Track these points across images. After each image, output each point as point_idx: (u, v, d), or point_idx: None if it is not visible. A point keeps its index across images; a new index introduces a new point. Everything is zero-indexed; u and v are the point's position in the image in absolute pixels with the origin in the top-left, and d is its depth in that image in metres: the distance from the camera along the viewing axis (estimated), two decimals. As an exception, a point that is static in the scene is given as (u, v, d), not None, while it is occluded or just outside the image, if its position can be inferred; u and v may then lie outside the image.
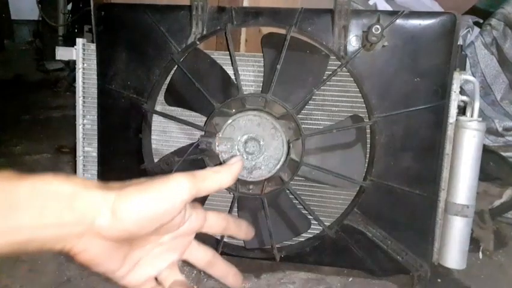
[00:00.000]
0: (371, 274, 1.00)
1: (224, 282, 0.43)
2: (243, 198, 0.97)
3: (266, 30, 0.98)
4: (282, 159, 0.94)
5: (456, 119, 0.93)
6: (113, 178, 0.38)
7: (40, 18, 2.99)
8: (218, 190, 0.39)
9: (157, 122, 1.05)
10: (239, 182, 0.96)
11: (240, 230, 0.45)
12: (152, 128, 1.05)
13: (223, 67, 0.97)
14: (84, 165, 1.12)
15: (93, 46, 1.05)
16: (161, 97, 1.02)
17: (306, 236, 1.01)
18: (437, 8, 1.60)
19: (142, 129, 1.01)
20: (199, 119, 0.99)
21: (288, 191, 0.96)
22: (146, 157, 1.02)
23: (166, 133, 1.05)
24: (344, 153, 0.94)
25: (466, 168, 0.93)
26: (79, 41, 1.07)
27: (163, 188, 0.35)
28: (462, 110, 0.96)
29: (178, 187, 0.36)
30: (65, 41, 2.76)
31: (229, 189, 0.96)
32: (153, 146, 1.05)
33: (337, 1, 0.88)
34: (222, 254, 1.00)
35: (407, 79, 0.89)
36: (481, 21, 1.61)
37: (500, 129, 1.44)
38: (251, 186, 0.97)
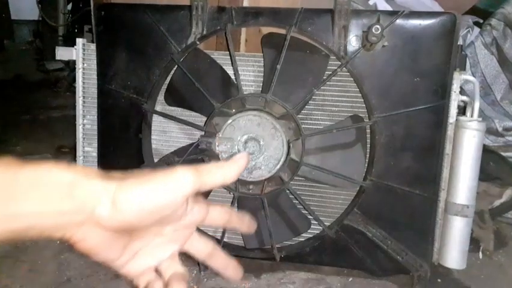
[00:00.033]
0: (371, 274, 1.00)
1: (224, 275, 0.43)
2: (243, 198, 0.97)
3: (266, 30, 0.98)
4: (282, 159, 0.94)
5: (456, 119, 0.93)
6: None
7: (40, 18, 2.99)
8: (222, 185, 0.39)
9: (157, 122, 1.05)
10: (239, 182, 0.96)
11: (242, 223, 0.44)
12: (152, 128, 1.05)
13: (223, 67, 0.97)
14: (84, 165, 1.12)
15: (93, 46, 1.05)
16: (161, 97, 1.02)
17: (306, 236, 1.01)
18: (437, 8, 1.60)
19: (142, 129, 1.01)
20: (199, 119, 0.99)
21: (288, 191, 0.96)
22: (146, 157, 1.02)
23: (166, 133, 1.05)
24: (344, 153, 0.94)
25: (466, 168, 0.93)
26: (79, 41, 1.07)
27: (166, 181, 0.35)
28: (462, 110, 0.96)
29: (182, 180, 0.35)
30: (65, 41, 2.75)
31: (229, 189, 0.96)
32: (153, 146, 1.05)
33: (337, 1, 0.88)
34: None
35: (407, 79, 0.89)
36: (481, 21, 1.61)
37: (500, 129, 1.44)
38: (251, 186, 0.97)
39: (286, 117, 0.93)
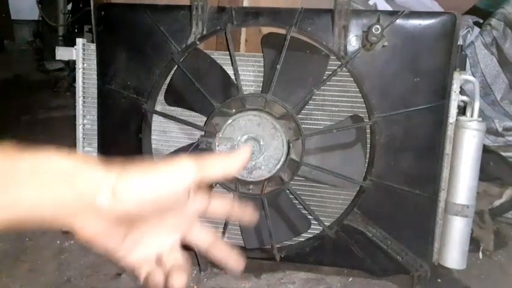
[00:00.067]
0: (371, 274, 1.00)
1: (225, 266, 0.42)
2: (243, 198, 0.96)
3: (266, 30, 0.98)
4: (282, 159, 0.94)
5: (456, 119, 0.93)
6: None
7: (40, 18, 3.00)
8: (224, 177, 0.38)
9: (157, 122, 1.05)
10: (239, 182, 0.96)
11: (244, 214, 0.44)
12: (152, 128, 1.05)
13: (223, 67, 0.97)
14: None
15: (93, 46, 1.05)
16: (161, 97, 1.02)
17: (306, 236, 1.01)
18: (437, 8, 1.60)
19: (142, 129, 1.01)
20: (199, 119, 0.99)
21: (288, 191, 0.96)
22: (146, 157, 1.02)
23: (166, 133, 1.05)
24: (344, 153, 0.94)
25: (466, 168, 0.93)
26: (79, 41, 1.07)
27: (168, 171, 0.35)
28: (462, 110, 0.96)
29: (184, 171, 0.35)
30: (65, 41, 2.76)
31: (229, 189, 0.96)
32: (153, 146, 1.05)
33: (337, 1, 0.88)
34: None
35: (407, 79, 0.89)
36: (481, 21, 1.61)
37: (500, 129, 1.44)
38: (251, 186, 0.97)
39: (286, 117, 0.93)
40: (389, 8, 1.49)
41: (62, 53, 1.09)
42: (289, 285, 1.04)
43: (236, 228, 1.00)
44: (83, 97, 1.09)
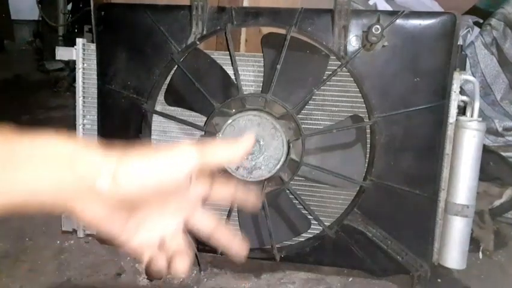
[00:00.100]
0: (371, 274, 1.00)
1: (229, 251, 0.41)
2: (246, 184, 0.96)
3: (266, 30, 0.98)
4: (282, 159, 0.94)
5: (456, 119, 0.93)
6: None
7: (40, 18, 3.00)
8: (226, 165, 0.38)
9: (157, 122, 1.05)
10: (239, 182, 0.96)
11: (249, 197, 0.43)
12: (152, 128, 1.05)
13: (223, 67, 0.97)
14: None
15: (93, 46, 1.05)
16: (161, 97, 1.02)
17: (306, 236, 1.01)
18: (437, 8, 1.60)
19: (142, 129, 1.01)
20: (199, 119, 0.99)
21: (288, 191, 0.96)
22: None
23: (166, 133, 1.05)
24: (344, 153, 0.94)
25: (466, 168, 0.93)
26: (79, 41, 1.07)
27: (169, 157, 0.34)
28: (462, 110, 0.96)
29: (185, 158, 0.35)
30: (65, 41, 2.76)
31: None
32: (153, 146, 1.05)
33: (337, 1, 0.88)
34: (222, 254, 1.00)
35: (407, 79, 0.89)
36: (481, 21, 1.61)
37: (500, 129, 1.44)
38: (251, 186, 0.97)
39: (286, 117, 0.93)
40: (389, 8, 1.49)
41: (62, 53, 1.09)
42: (289, 285, 1.04)
43: (236, 228, 1.00)
44: (83, 97, 1.09)
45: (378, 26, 0.83)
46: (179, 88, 1.00)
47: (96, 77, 1.05)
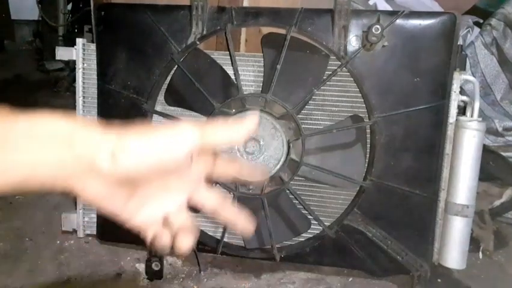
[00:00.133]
0: (371, 274, 1.00)
1: (235, 228, 0.41)
2: (242, 198, 0.97)
3: (266, 30, 0.98)
4: (282, 159, 0.94)
5: (456, 119, 0.93)
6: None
7: (40, 18, 2.99)
8: (228, 145, 0.37)
9: (157, 122, 1.05)
10: (239, 182, 0.96)
11: (254, 172, 0.43)
12: (152, 128, 1.05)
13: (223, 67, 0.97)
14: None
15: (93, 46, 1.05)
16: (161, 97, 1.02)
17: (306, 236, 1.01)
18: (437, 8, 1.60)
19: (142, 129, 1.01)
20: (199, 119, 0.99)
21: (288, 191, 0.96)
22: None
23: (166, 133, 1.05)
24: (344, 153, 0.94)
25: (466, 168, 0.93)
26: (79, 41, 1.07)
27: (168, 136, 0.34)
28: (462, 110, 0.96)
29: (184, 137, 0.34)
30: (65, 41, 2.75)
31: (229, 189, 0.96)
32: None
33: (337, 1, 0.88)
34: (222, 254, 1.00)
35: (407, 79, 0.89)
36: (481, 21, 1.61)
37: (500, 129, 1.44)
38: (251, 186, 0.97)
39: (286, 117, 0.93)
40: (389, 8, 1.49)
41: (62, 53, 1.08)
42: (289, 285, 1.04)
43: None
44: (83, 97, 1.09)
45: (378, 26, 0.83)
46: (180, 88, 1.00)
47: (96, 77, 1.05)
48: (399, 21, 0.88)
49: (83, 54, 1.07)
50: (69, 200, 1.31)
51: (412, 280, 0.97)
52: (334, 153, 0.94)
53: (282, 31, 0.93)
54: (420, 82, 0.89)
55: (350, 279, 1.05)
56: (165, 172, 0.36)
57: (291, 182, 0.94)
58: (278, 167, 0.94)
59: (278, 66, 0.89)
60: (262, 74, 0.96)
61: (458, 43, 0.89)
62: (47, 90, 2.64)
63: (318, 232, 0.99)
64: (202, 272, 1.06)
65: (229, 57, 0.94)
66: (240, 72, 0.93)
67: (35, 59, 3.24)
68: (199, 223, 1.03)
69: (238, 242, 1.02)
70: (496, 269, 1.11)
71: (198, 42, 0.96)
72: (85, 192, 0.34)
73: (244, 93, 0.94)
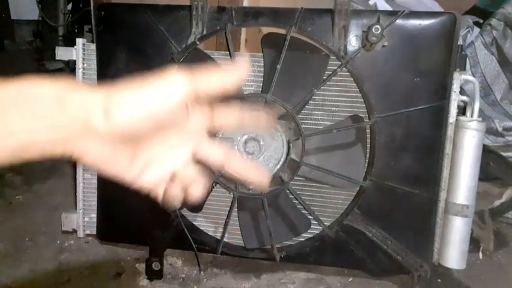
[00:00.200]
0: (371, 274, 1.00)
1: (245, 180, 0.39)
2: (242, 198, 0.97)
3: (266, 30, 0.98)
4: (282, 160, 0.94)
5: (456, 119, 0.93)
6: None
7: (40, 18, 2.99)
8: (221, 92, 0.36)
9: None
10: (239, 182, 0.96)
11: (259, 120, 0.41)
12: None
13: (223, 67, 0.97)
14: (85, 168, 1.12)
15: (93, 46, 1.05)
16: (161, 97, 1.02)
17: (306, 236, 1.01)
18: (437, 8, 1.60)
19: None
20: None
21: (288, 191, 0.96)
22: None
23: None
24: (344, 153, 0.94)
25: (466, 168, 0.93)
26: (79, 41, 1.07)
27: (157, 86, 0.33)
28: (462, 110, 0.96)
29: (174, 85, 0.33)
30: (65, 41, 2.75)
31: (229, 189, 0.96)
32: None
33: (337, 1, 0.88)
34: (222, 254, 1.00)
35: (407, 79, 0.89)
36: (481, 21, 1.61)
37: (500, 129, 1.44)
38: (251, 186, 0.97)
39: (286, 117, 0.93)
40: (389, 8, 1.49)
41: (62, 53, 1.08)
42: (289, 285, 1.04)
43: (236, 228, 1.00)
44: (83, 97, 1.09)
45: (378, 26, 0.83)
46: (179, 88, 0.99)
47: (96, 77, 1.05)
48: (399, 21, 0.88)
49: (83, 54, 1.07)
50: (69, 200, 1.31)
51: (412, 280, 0.97)
52: (334, 153, 0.94)
53: (282, 31, 0.93)
54: (420, 82, 0.89)
55: (350, 279, 1.05)
56: (162, 126, 0.35)
57: (291, 182, 0.94)
58: (278, 167, 0.94)
59: (278, 66, 0.89)
60: (262, 74, 0.96)
61: (458, 43, 0.89)
62: (47, 90, 2.64)
63: (318, 232, 0.99)
64: (202, 272, 1.06)
65: (229, 57, 0.94)
66: (240, 72, 0.93)
67: (35, 59, 3.24)
68: (199, 223, 1.03)
69: (238, 242, 1.02)
70: (496, 269, 1.11)
71: (198, 42, 0.96)
72: (86, 155, 0.34)
73: (244, 93, 0.94)
